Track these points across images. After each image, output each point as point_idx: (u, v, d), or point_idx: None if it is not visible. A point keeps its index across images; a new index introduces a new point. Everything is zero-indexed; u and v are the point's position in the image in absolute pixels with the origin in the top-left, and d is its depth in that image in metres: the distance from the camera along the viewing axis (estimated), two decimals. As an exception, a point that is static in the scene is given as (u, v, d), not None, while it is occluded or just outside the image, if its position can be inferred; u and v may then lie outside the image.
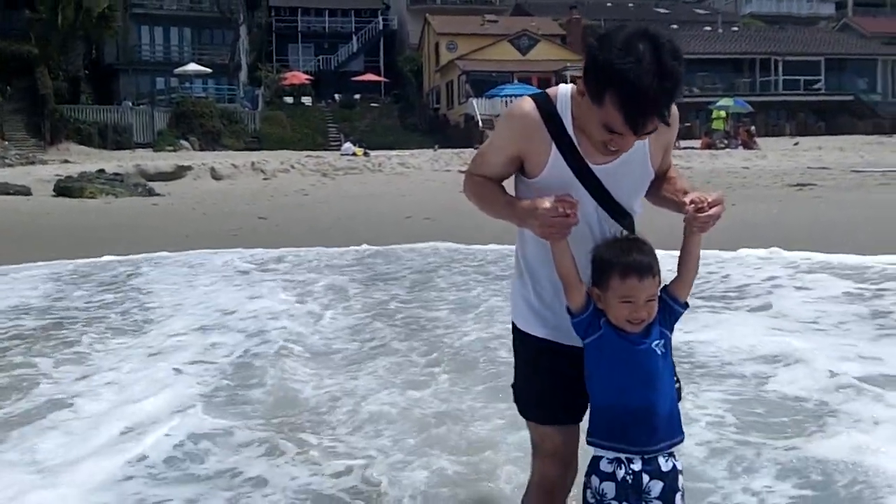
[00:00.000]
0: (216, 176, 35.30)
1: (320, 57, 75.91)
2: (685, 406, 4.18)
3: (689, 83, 61.39)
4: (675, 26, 75.14)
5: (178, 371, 8.02)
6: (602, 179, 3.40)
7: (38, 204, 26.39)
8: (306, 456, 5.71)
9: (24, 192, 29.00)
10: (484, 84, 60.76)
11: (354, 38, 76.65)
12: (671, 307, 3.43)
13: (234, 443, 6.01)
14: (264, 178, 35.10)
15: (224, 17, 66.34)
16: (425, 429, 6.19)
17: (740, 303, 10.37)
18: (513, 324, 3.74)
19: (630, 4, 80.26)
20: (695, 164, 36.03)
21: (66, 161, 41.20)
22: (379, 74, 72.82)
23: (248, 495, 5.17)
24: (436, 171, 38.24)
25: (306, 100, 67.34)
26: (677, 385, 3.51)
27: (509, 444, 5.71)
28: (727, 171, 33.77)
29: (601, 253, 3.36)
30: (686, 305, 3.48)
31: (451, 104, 66.76)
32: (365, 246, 16.54)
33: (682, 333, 7.69)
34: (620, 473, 3.33)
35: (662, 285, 3.40)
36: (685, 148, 43.89)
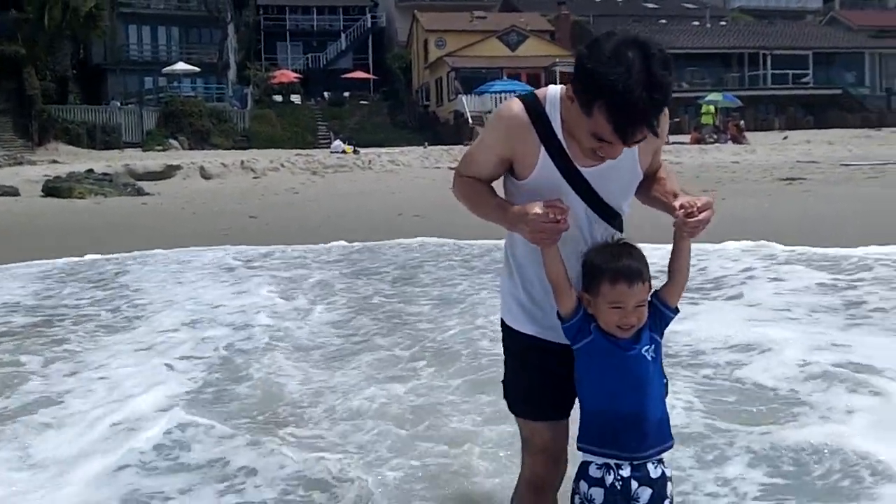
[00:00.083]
0: (205, 175, 35.24)
1: (309, 55, 75.80)
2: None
3: (677, 78, 61.49)
4: (663, 21, 75.44)
5: (167, 367, 8.10)
6: (591, 182, 3.40)
7: (27, 204, 26.34)
8: (289, 450, 5.73)
9: (13, 192, 28.91)
10: (473, 80, 60.77)
11: (343, 35, 76.58)
12: (662, 312, 3.43)
13: (221, 437, 6.05)
14: (254, 177, 35.06)
15: (212, 16, 66.27)
16: (406, 424, 6.20)
17: (717, 293, 10.45)
18: (502, 320, 3.73)
19: (619, 0, 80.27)
20: (684, 159, 36.12)
21: (55, 161, 41.08)
22: (368, 72, 72.77)
23: (236, 488, 5.20)
24: (426, 168, 38.25)
25: (295, 98, 67.28)
26: (664, 381, 3.50)
27: (489, 439, 5.72)
28: (716, 166, 33.87)
29: (591, 258, 3.36)
30: (676, 310, 3.47)
31: (440, 101, 66.75)
32: (355, 243, 16.59)
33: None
34: (609, 479, 3.33)
35: (653, 290, 3.40)
36: (674, 143, 43.93)
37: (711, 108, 53.69)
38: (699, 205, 3.30)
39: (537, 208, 3.23)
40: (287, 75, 67.96)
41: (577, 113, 3.16)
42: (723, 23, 77.38)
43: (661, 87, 3.01)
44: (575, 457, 3.53)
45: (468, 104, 58.55)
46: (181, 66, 61.07)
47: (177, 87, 62.60)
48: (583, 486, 3.38)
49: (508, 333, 3.70)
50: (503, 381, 3.77)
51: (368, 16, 77.80)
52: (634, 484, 3.32)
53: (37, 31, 52.02)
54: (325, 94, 69.54)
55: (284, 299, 11.49)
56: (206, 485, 5.28)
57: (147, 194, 29.50)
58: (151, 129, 56.01)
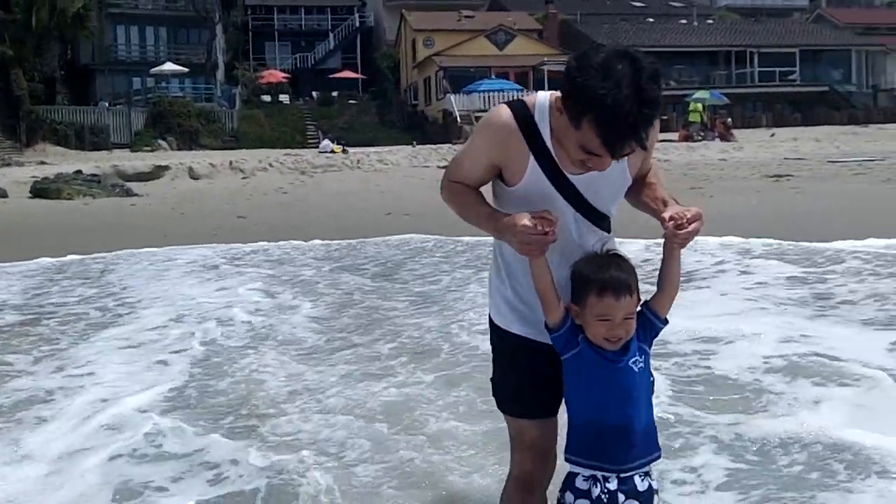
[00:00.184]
0: (194, 175, 35.18)
1: (297, 55, 75.71)
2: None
3: (665, 76, 61.55)
4: (650, 19, 75.60)
5: (152, 364, 8.22)
6: (580, 188, 3.40)
7: (15, 206, 26.26)
8: (265, 448, 5.77)
9: (1, 194, 28.83)
10: (461, 79, 60.73)
11: (331, 35, 76.49)
12: (651, 322, 3.42)
13: (200, 433, 6.12)
14: (243, 177, 35.00)
15: (200, 16, 66.16)
16: (382, 421, 6.24)
17: (687, 284, 10.52)
18: (490, 319, 3.74)
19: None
20: (672, 157, 36.19)
21: (43, 162, 41.00)
22: (356, 71, 72.72)
23: (215, 482, 5.27)
24: (414, 167, 38.22)
25: (284, 98, 67.17)
26: (651, 379, 3.50)
27: (464, 438, 5.75)
28: (704, 164, 33.94)
29: (579, 269, 3.35)
30: (666, 321, 3.46)
31: (428, 100, 66.73)
32: (339, 241, 16.71)
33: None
34: (596, 491, 3.33)
35: (643, 300, 3.40)
36: (662, 140, 43.96)
37: (699, 105, 53.68)
38: (688, 216, 3.30)
39: (525, 220, 3.23)
40: (275, 75, 67.89)
41: (565, 124, 3.16)
42: (710, 21, 77.54)
43: (650, 101, 3.00)
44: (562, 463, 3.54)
45: (456, 103, 58.54)
46: (169, 66, 60.96)
47: (165, 88, 62.51)
48: (568, 497, 3.38)
49: (497, 332, 3.69)
50: (492, 380, 3.77)
51: (356, 15, 77.72)
52: (621, 497, 3.32)
53: (24, 31, 51.85)
54: (314, 93, 69.43)
55: (268, 296, 11.62)
56: (191, 477, 5.37)
57: (136, 195, 29.42)
58: (140, 129, 55.91)
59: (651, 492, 3.38)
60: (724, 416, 5.95)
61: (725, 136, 48.42)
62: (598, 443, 3.31)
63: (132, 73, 64.82)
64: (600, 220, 3.52)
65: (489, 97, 57.73)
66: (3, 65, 51.36)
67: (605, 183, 3.39)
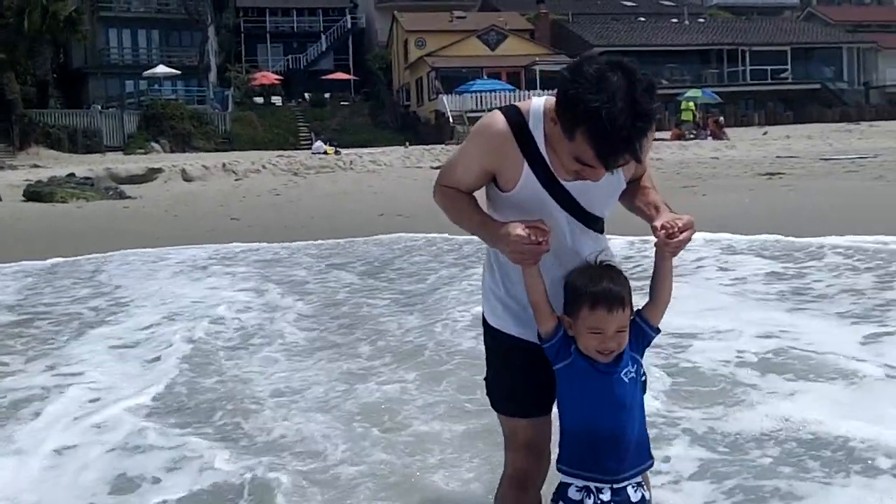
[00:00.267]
0: (187, 178, 35.12)
1: (289, 56, 75.71)
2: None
3: (657, 75, 61.66)
4: (641, 19, 75.60)
5: (142, 363, 8.32)
6: (574, 194, 3.40)
7: (9, 209, 26.19)
8: (244, 449, 5.80)
9: (-6, 198, 28.81)
10: (454, 80, 60.76)
11: (323, 36, 76.50)
12: (644, 331, 3.41)
13: (185, 432, 6.16)
14: (236, 179, 34.95)
15: (192, 19, 66.04)
16: (364, 420, 6.24)
17: None
18: (483, 319, 3.73)
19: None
20: (664, 156, 36.19)
21: (36, 166, 40.93)
22: (348, 73, 72.75)
23: (195, 482, 5.27)
24: (407, 168, 38.19)
25: (276, 100, 67.24)
26: (643, 379, 3.51)
27: (447, 438, 5.74)
28: (697, 162, 33.93)
29: (572, 280, 3.34)
30: (658, 330, 3.46)
31: (421, 101, 66.75)
32: (329, 240, 16.84)
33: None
34: (589, 503, 3.32)
35: (636, 309, 3.40)
36: (655, 139, 43.58)
37: (691, 104, 53.75)
38: (680, 225, 3.31)
39: (519, 230, 3.24)
40: (268, 77, 67.90)
41: (559, 134, 3.14)
42: (701, 20, 77.56)
43: (644, 114, 2.99)
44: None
45: (449, 104, 58.53)
46: (162, 69, 60.90)
47: (158, 90, 62.45)
48: None
49: (490, 333, 3.70)
50: (485, 379, 3.78)
51: (348, 17, 77.78)
52: None
53: (16, 35, 51.79)
54: (306, 95, 69.43)
55: (257, 295, 11.73)
56: (173, 475, 5.40)
57: (129, 198, 29.32)
58: (133, 132, 55.91)
59: (644, 502, 3.39)
60: (699, 408, 6.02)
61: (718, 135, 48.47)
62: (592, 453, 3.31)
63: (125, 76, 64.73)
64: (593, 223, 3.53)
65: (481, 97, 57.84)
66: (-4, 69, 51.36)
67: (600, 188, 3.38)
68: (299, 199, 27.01)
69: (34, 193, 28.97)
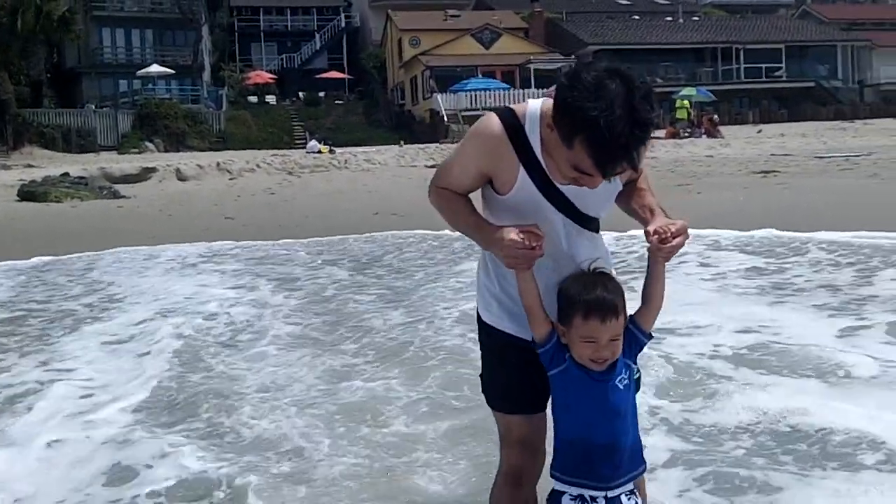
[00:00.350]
0: (181, 177, 35.10)
1: (283, 55, 75.54)
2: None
3: (651, 73, 61.76)
4: (636, 17, 75.60)
5: (130, 360, 8.38)
6: (570, 197, 3.40)
7: (2, 209, 26.15)
8: (223, 449, 5.80)
9: (-12, 197, 28.77)
10: (448, 79, 60.74)
11: (317, 35, 76.35)
12: (636, 337, 3.39)
13: (174, 428, 6.22)
14: (230, 179, 34.92)
15: (185, 18, 65.95)
16: (347, 417, 6.23)
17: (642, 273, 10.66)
18: (478, 316, 3.73)
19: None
20: (659, 154, 36.19)
21: (30, 165, 40.88)
22: (343, 72, 72.64)
23: (172, 479, 5.26)
24: (402, 167, 38.20)
25: (270, 99, 67.14)
26: (637, 375, 3.51)
27: (429, 439, 5.72)
28: (691, 160, 33.95)
29: (566, 288, 3.32)
30: (650, 336, 3.45)
31: (415, 100, 66.71)
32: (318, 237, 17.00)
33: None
34: None
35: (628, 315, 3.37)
36: (650, 138, 43.96)
37: (686, 102, 53.81)
38: (673, 230, 3.30)
39: (513, 235, 3.23)
40: (262, 76, 67.81)
41: (557, 142, 3.12)
42: (695, 18, 77.64)
43: (643, 123, 2.98)
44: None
45: (443, 102, 58.54)
46: (156, 68, 60.78)
47: (151, 90, 62.36)
48: None
49: (486, 330, 3.69)
50: (480, 376, 3.77)
51: (342, 15, 77.63)
52: None
53: (9, 35, 51.67)
54: (301, 94, 69.34)
55: (245, 292, 11.83)
56: (152, 471, 5.43)
57: (123, 197, 29.28)
58: (127, 131, 55.83)
59: None
60: (676, 400, 6.08)
61: (712, 133, 48.52)
62: (587, 461, 3.30)
63: (118, 76, 64.63)
64: (589, 223, 3.52)
65: (476, 96, 57.87)
66: (-11, 69, 51.27)
67: (596, 191, 3.35)
68: (294, 199, 26.99)
69: (28, 193, 28.91)
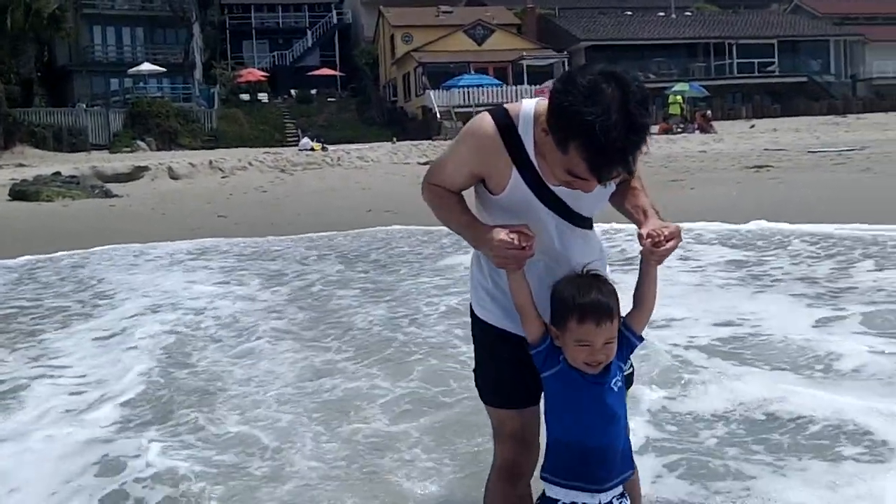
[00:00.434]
0: (174, 176, 35.02)
1: (275, 53, 75.45)
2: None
3: (644, 69, 61.80)
4: (629, 12, 75.63)
5: (118, 353, 8.45)
6: (563, 198, 3.38)
7: (-6, 208, 26.13)
8: (204, 440, 5.84)
9: (-21, 197, 28.67)
10: (440, 75, 60.79)
11: (309, 32, 76.24)
12: (628, 339, 3.38)
13: (154, 427, 6.20)
14: (223, 177, 34.85)
15: (176, 16, 65.83)
16: (327, 415, 6.21)
17: (629, 267, 10.69)
18: (471, 311, 3.72)
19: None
20: (652, 150, 35.82)
21: (21, 165, 40.79)
22: (335, 69, 72.51)
23: (147, 477, 5.24)
24: (395, 164, 38.17)
25: (262, 96, 67.07)
26: (630, 370, 3.52)
27: (411, 438, 5.69)
28: (685, 156, 34.02)
29: (560, 291, 3.30)
30: (642, 339, 3.44)
31: (408, 96, 66.72)
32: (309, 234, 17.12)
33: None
34: None
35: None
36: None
37: (679, 98, 53.89)
38: (666, 234, 3.29)
39: (503, 235, 3.22)
40: (254, 74, 67.71)
41: (551, 146, 3.10)
42: (688, 13, 77.64)
43: (639, 128, 2.96)
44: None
45: (436, 99, 58.58)
46: (147, 66, 60.70)
47: (143, 88, 62.27)
48: None
49: (478, 325, 3.68)
50: (474, 371, 3.78)
51: (334, 12, 77.51)
52: None
53: (-1, 34, 51.61)
54: (293, 91, 69.28)
55: (236, 286, 11.99)
56: (127, 469, 5.42)
57: (115, 196, 29.26)
58: (118, 130, 55.73)
59: None
60: (652, 389, 6.14)
61: (705, 128, 48.58)
62: (580, 464, 3.28)
63: (109, 74, 64.50)
64: (581, 222, 3.51)
65: (468, 92, 57.86)
66: (-21, 68, 51.13)
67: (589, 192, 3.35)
68: (286, 196, 27.00)
69: (20, 192, 28.88)
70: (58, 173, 32.61)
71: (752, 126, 50.45)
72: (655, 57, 67.39)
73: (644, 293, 3.41)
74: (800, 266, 10.73)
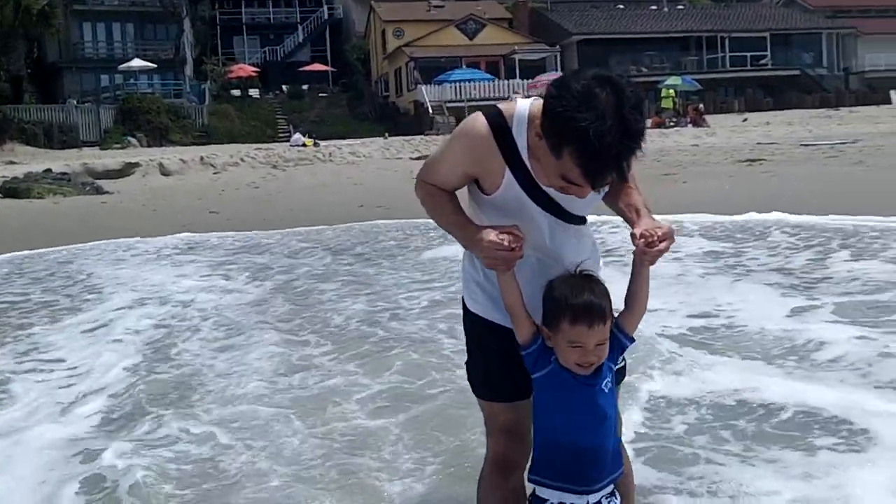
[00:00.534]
0: (165, 172, 34.94)
1: (266, 48, 75.37)
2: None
3: (636, 63, 61.82)
4: (621, 6, 75.62)
5: (105, 346, 8.57)
6: (556, 199, 3.38)
7: (-16, 206, 26.03)
8: (180, 437, 5.82)
9: (-30, 194, 28.56)
10: (432, 70, 60.68)
11: (300, 28, 76.16)
12: (620, 340, 3.37)
13: (128, 426, 6.17)
14: (214, 173, 34.80)
15: (167, 12, 65.60)
16: (305, 410, 6.19)
17: (606, 258, 10.83)
18: (463, 304, 3.74)
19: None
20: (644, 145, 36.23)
21: (12, 162, 40.60)
22: (326, 64, 72.45)
23: (123, 474, 5.22)
24: (387, 159, 38.15)
25: (254, 92, 66.96)
26: (622, 364, 3.51)
27: (388, 432, 5.68)
28: (677, 150, 34.04)
29: (552, 291, 3.29)
30: (632, 340, 3.43)
31: (399, 91, 66.64)
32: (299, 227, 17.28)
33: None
34: None
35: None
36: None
37: (671, 91, 53.90)
38: (659, 234, 3.27)
39: (492, 235, 3.23)
40: (245, 69, 67.61)
41: (545, 151, 3.08)
42: (680, 7, 77.70)
43: (633, 133, 2.94)
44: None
45: (428, 94, 58.48)
46: (137, 62, 60.54)
47: (133, 84, 62.02)
48: None
49: (470, 318, 3.70)
50: (466, 364, 3.80)
51: (325, 7, 77.39)
52: None
53: (-12, 30, 51.41)
54: (284, 87, 69.26)
55: (222, 280, 12.16)
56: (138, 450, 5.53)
57: (106, 193, 29.21)
58: (109, 127, 55.55)
59: None
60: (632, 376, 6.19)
61: (698, 122, 48.63)
62: (571, 464, 3.27)
63: (100, 71, 64.25)
64: (575, 218, 3.52)
65: (460, 87, 57.80)
66: (-32, 65, 50.98)
67: None
68: (278, 192, 27.00)
69: (10, 189, 28.79)
70: (48, 170, 32.51)
71: (745, 119, 50.51)
72: (648, 50, 67.43)
73: (636, 293, 3.39)
74: (777, 257, 10.91)
